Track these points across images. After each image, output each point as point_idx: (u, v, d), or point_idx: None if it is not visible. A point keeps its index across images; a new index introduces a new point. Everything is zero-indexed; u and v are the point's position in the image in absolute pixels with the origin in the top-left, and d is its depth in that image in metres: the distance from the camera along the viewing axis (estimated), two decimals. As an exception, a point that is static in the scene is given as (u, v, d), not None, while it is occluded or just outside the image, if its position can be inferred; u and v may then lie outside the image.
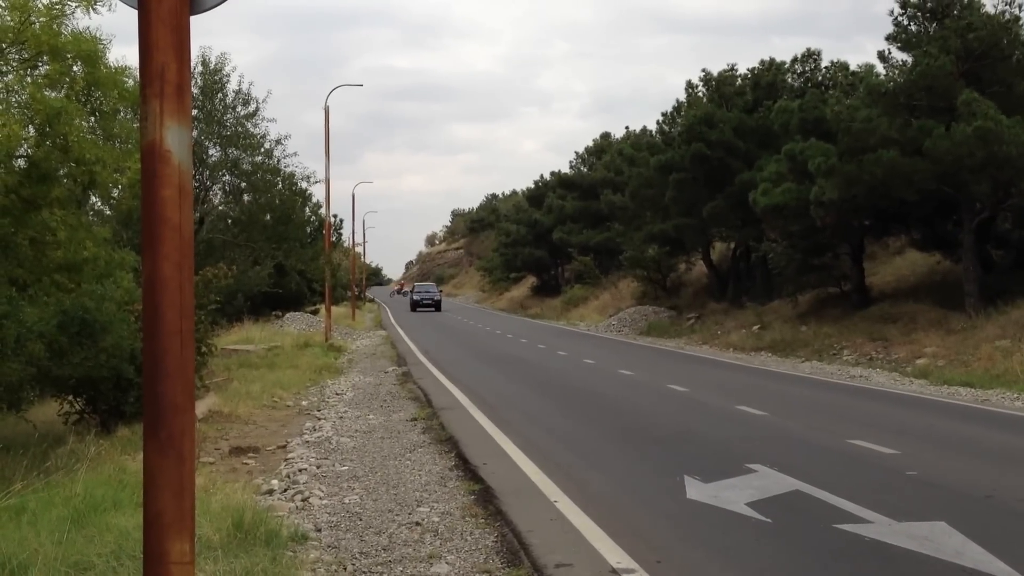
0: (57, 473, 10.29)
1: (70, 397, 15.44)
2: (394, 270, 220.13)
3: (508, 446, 12.56)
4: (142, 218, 3.94)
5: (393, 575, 7.09)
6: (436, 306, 72.52)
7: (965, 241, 26.92)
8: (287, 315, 48.58)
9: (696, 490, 9.56)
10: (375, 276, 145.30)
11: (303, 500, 9.71)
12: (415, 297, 75.71)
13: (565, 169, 78.47)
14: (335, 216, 41.05)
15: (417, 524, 8.57)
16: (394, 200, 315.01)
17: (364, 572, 7.17)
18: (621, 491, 9.92)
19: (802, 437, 13.09)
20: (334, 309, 43.84)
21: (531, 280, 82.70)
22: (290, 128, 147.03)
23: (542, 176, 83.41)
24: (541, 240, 73.87)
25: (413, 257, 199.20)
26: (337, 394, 20.00)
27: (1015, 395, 17.92)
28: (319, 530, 8.44)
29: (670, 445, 12.55)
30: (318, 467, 11.57)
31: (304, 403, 18.57)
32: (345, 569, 7.21)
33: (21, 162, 16.45)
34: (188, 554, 3.82)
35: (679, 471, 10.40)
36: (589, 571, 6.97)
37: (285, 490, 10.28)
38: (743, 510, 8.71)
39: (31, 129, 16.25)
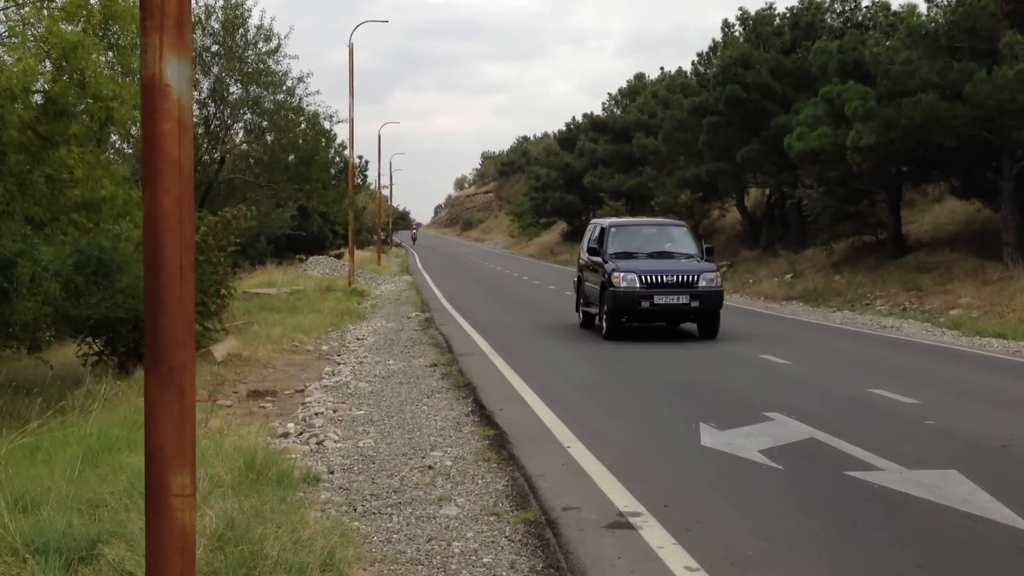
0: (72, 413, 10.59)
1: (89, 338, 15.78)
2: (422, 214, 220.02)
3: (526, 392, 12.79)
4: (143, 152, 4.13)
5: (402, 516, 7.33)
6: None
7: (1004, 189, 26.79)
8: (310, 259, 48.95)
9: (710, 437, 9.76)
10: (402, 220, 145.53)
11: (318, 443, 9.98)
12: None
13: (598, 111, 78.18)
14: (360, 158, 41.19)
15: (429, 468, 8.81)
16: (422, 142, 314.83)
17: (374, 513, 7.42)
18: (635, 438, 10.14)
19: (823, 386, 13.26)
20: (359, 253, 44.17)
21: (561, 226, 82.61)
22: (315, 67, 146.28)
23: (574, 118, 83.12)
24: (572, 184, 73.72)
25: (442, 201, 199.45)
26: (358, 339, 20.28)
27: (1049, 347, 17.97)
28: (331, 472, 8.70)
29: (688, 393, 12.75)
30: (334, 411, 11.83)
31: (324, 348, 18.86)
32: (355, 510, 7.46)
33: (37, 98, 16.61)
34: (189, 487, 4.03)
35: (695, 419, 10.59)
36: (596, 514, 7.20)
37: (300, 433, 10.55)
38: (756, 457, 8.91)
39: (47, 64, 16.40)
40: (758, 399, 11.91)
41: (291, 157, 28.71)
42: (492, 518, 7.23)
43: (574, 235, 75.97)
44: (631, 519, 7.03)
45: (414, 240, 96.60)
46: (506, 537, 6.79)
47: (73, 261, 12.33)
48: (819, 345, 18.72)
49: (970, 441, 9.60)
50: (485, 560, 6.31)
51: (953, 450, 9.12)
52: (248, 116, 28.16)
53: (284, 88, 26.65)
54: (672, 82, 55.01)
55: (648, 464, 8.92)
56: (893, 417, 10.90)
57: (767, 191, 43.10)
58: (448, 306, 28.28)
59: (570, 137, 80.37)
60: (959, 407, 11.58)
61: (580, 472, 8.50)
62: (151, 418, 3.99)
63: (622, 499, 7.55)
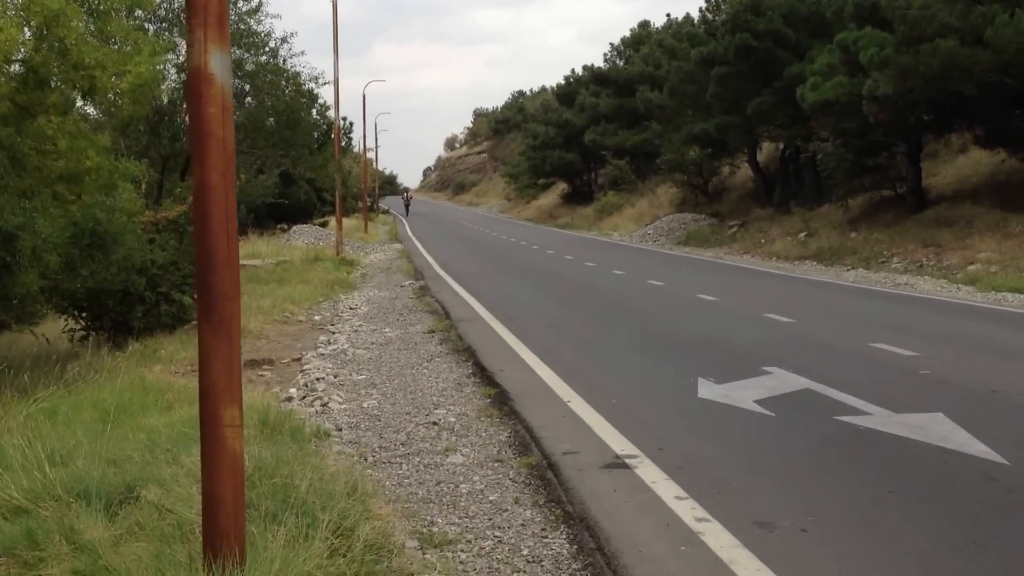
0: (77, 384, 11.74)
1: (75, 313, 16.92)
2: (411, 177, 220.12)
3: (526, 354, 13.96)
4: (190, 133, 5.30)
5: (411, 465, 8.52)
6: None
7: (1029, 137, 27.69)
8: (294, 228, 50.07)
9: (708, 390, 10.94)
10: (389, 184, 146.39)
11: (322, 405, 11.16)
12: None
13: (599, 63, 78.89)
14: (344, 119, 42.10)
15: (434, 424, 10.00)
16: (409, 99, 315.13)
17: (384, 463, 8.61)
18: (634, 392, 11.32)
19: (824, 342, 14.43)
20: (345, 221, 45.27)
21: (561, 187, 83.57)
22: (291, 20, 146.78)
23: (573, 71, 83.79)
24: (572, 142, 74.41)
25: (431, 163, 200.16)
26: (351, 308, 21.45)
27: (1065, 301, 19.06)
28: (339, 429, 9.90)
29: (689, 351, 13.91)
30: (335, 376, 13.01)
31: (317, 318, 20.03)
32: (366, 460, 8.65)
33: (16, 67, 17.57)
34: (238, 419, 5.22)
35: (694, 374, 11.76)
36: (594, 457, 8.38)
37: (304, 397, 11.72)
38: (750, 406, 10.09)
39: (27, 32, 17.35)
40: (758, 355, 13.07)
41: (271, 120, 29.59)
42: (496, 464, 8.42)
43: (575, 197, 76.96)
44: (627, 460, 8.21)
45: (407, 207, 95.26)
46: (510, 479, 7.97)
47: (69, 234, 13.39)
48: (826, 304, 19.89)
49: (962, 388, 10.77)
50: (491, 498, 7.48)
51: (942, 396, 10.27)
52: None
53: (267, 49, 27.61)
54: (679, 30, 55.85)
55: (645, 414, 10.10)
56: (890, 368, 12.08)
57: (780, 145, 43.95)
58: (443, 273, 29.47)
59: (569, 91, 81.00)
60: (958, 358, 12.74)
61: (579, 422, 9.69)
62: (205, 360, 5.16)
63: (619, 444, 8.74)
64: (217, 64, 5.10)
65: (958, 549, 6.08)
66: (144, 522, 6.00)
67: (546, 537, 6.58)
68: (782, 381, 11.28)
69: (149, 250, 16.77)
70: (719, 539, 6.31)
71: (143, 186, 21.37)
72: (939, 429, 8.80)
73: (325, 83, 32.80)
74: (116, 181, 16.95)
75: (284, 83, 28.91)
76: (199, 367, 5.20)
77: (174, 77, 25.25)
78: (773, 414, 9.76)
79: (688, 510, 6.89)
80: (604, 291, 23.20)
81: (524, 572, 6.00)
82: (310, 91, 30.58)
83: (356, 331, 17.57)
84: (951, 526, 6.47)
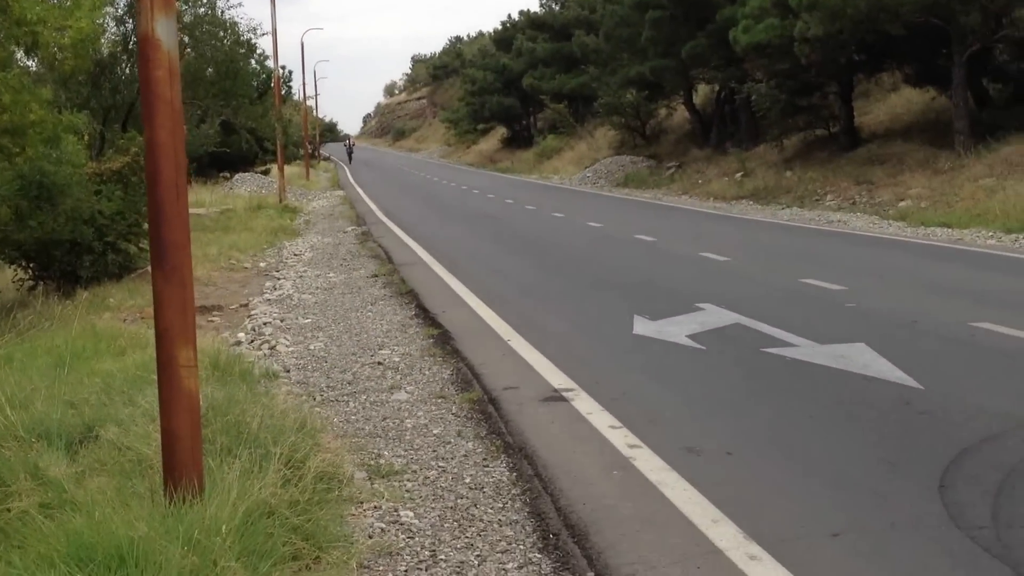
0: (29, 332, 11.90)
1: (23, 263, 17.01)
2: (351, 124, 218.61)
3: (468, 296, 14.25)
4: (140, 95, 5.52)
5: (358, 402, 8.81)
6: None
7: (955, 76, 28.07)
8: (236, 176, 49.96)
9: (642, 327, 11.30)
10: (330, 132, 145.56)
11: (270, 348, 11.40)
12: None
13: (535, 8, 78.76)
14: (283, 68, 42.10)
15: (379, 364, 10.29)
16: (347, 46, 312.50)
17: (332, 401, 8.89)
18: (573, 331, 11.67)
19: (756, 278, 14.86)
20: (287, 169, 45.26)
21: (501, 131, 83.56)
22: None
23: (510, 16, 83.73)
24: (510, 87, 74.49)
25: (371, 110, 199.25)
26: (295, 255, 21.63)
27: (990, 233, 19.57)
28: (287, 371, 10.15)
29: (626, 290, 14.27)
30: (282, 321, 13.24)
31: (262, 264, 20.22)
32: (314, 399, 8.92)
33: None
34: (192, 360, 5.48)
35: (630, 312, 12.10)
36: (533, 392, 8.72)
37: (252, 341, 11.95)
38: (683, 341, 10.46)
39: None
40: (692, 292, 13.44)
41: (211, 71, 29.56)
42: (439, 400, 8.72)
43: (515, 141, 77.05)
44: (565, 394, 8.55)
45: (350, 155, 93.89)
46: (453, 414, 8.28)
47: (17, 186, 13.50)
48: (760, 242, 20.34)
49: (884, 319, 11.19)
50: (435, 431, 7.79)
51: (866, 327, 10.68)
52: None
53: (204, 1, 27.58)
54: (613, -28, 55.84)
55: (583, 351, 10.44)
56: (817, 301, 12.51)
57: (715, 87, 44.21)
58: (385, 219, 29.64)
59: (506, 37, 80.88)
60: (883, 291, 13.18)
61: (520, 360, 10.01)
62: (159, 306, 5.42)
63: (557, 379, 9.07)
64: (163, 30, 5.33)
65: (870, 466, 6.46)
66: (105, 459, 6.25)
67: (487, 466, 6.90)
68: (714, 316, 11.65)
69: (95, 201, 16.85)
70: (649, 463, 6.66)
71: (86, 138, 21.38)
72: (860, 358, 9.20)
73: (263, 34, 32.91)
74: (60, 134, 17.02)
75: (223, 33, 28.91)
76: (154, 312, 5.44)
77: (113, 30, 25.19)
78: (704, 348, 10.14)
79: (621, 438, 7.23)
80: (544, 234, 23.53)
81: (467, 498, 6.30)
82: (248, 41, 30.61)
83: (301, 277, 17.77)
84: (865, 446, 6.87)
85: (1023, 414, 7.33)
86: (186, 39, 27.79)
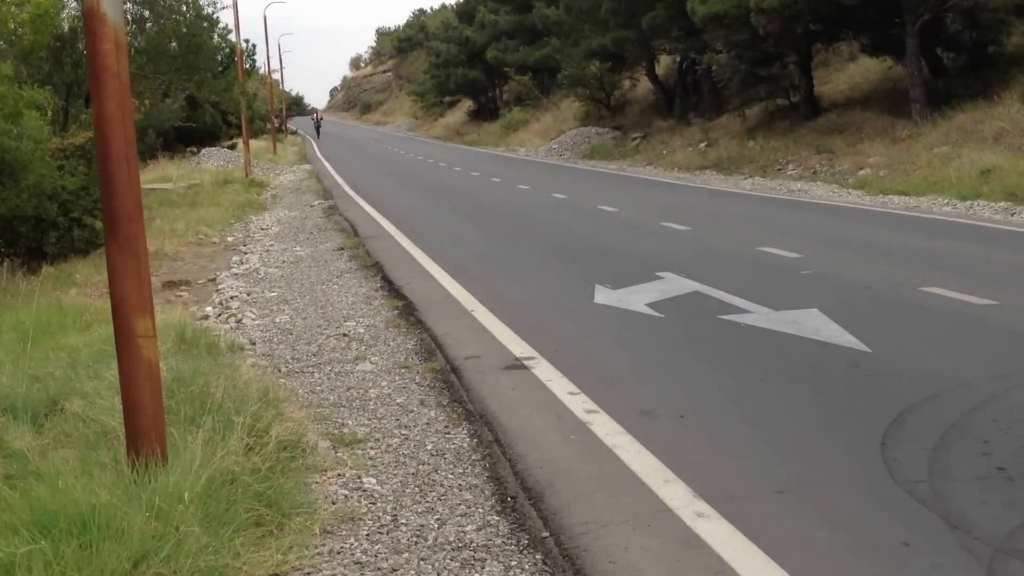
0: (-7, 307, 11.92)
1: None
2: (317, 98, 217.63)
3: (432, 268, 14.37)
4: (88, 68, 5.57)
5: (323, 373, 8.91)
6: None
7: (909, 45, 28.24)
8: (203, 151, 49.75)
9: (603, 296, 11.44)
10: (297, 106, 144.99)
11: (237, 321, 11.47)
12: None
13: (495, -22, 78.38)
14: (247, 41, 41.87)
15: (344, 335, 10.38)
16: (312, 19, 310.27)
17: (297, 372, 8.99)
18: (535, 300, 11.81)
19: (716, 247, 15.03)
20: (253, 143, 45.15)
21: (467, 104, 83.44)
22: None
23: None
24: (475, 60, 74.18)
25: (337, 83, 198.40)
26: (262, 229, 21.66)
27: (945, 201, 19.79)
28: (253, 343, 10.23)
29: (588, 260, 14.41)
30: (248, 294, 13.31)
31: (229, 239, 20.24)
32: (280, 370, 9.02)
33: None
34: (151, 329, 5.55)
35: (592, 282, 12.24)
36: (495, 360, 8.85)
37: (219, 315, 12.02)
38: (642, 309, 10.62)
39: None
40: (653, 261, 13.58)
41: (173, 45, 29.46)
42: (403, 370, 8.84)
43: (481, 113, 76.90)
44: (525, 362, 8.69)
45: (318, 129, 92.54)
46: (416, 383, 8.39)
47: (-23, 163, 13.48)
48: (722, 211, 20.52)
49: (837, 285, 11.38)
50: (399, 401, 7.90)
51: (820, 293, 10.86)
52: (128, 5, 28.81)
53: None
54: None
55: (544, 321, 10.57)
56: (773, 269, 12.70)
57: (677, 58, 44.28)
58: (352, 193, 29.68)
59: (469, 9, 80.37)
60: (838, 258, 13.37)
61: (482, 330, 10.14)
62: (115, 277, 5.48)
63: (519, 348, 9.20)
64: (109, 4, 5.39)
65: (816, 427, 6.65)
66: (70, 431, 6.33)
67: (449, 433, 7.02)
68: (673, 285, 11.80)
69: (59, 176, 16.82)
70: (605, 427, 6.80)
71: (49, 113, 21.30)
72: (812, 323, 9.37)
73: (224, 7, 32.87)
74: (21, 109, 16.97)
75: (184, 8, 28.80)
76: (110, 284, 5.49)
77: (73, 5, 25.03)
78: (662, 315, 10.29)
79: (579, 404, 7.37)
80: (509, 206, 23.65)
81: (428, 464, 6.42)
82: (210, 15, 30.50)
83: (268, 250, 17.82)
84: (813, 408, 7.05)
85: (965, 374, 7.51)
86: (147, 13, 27.66)
